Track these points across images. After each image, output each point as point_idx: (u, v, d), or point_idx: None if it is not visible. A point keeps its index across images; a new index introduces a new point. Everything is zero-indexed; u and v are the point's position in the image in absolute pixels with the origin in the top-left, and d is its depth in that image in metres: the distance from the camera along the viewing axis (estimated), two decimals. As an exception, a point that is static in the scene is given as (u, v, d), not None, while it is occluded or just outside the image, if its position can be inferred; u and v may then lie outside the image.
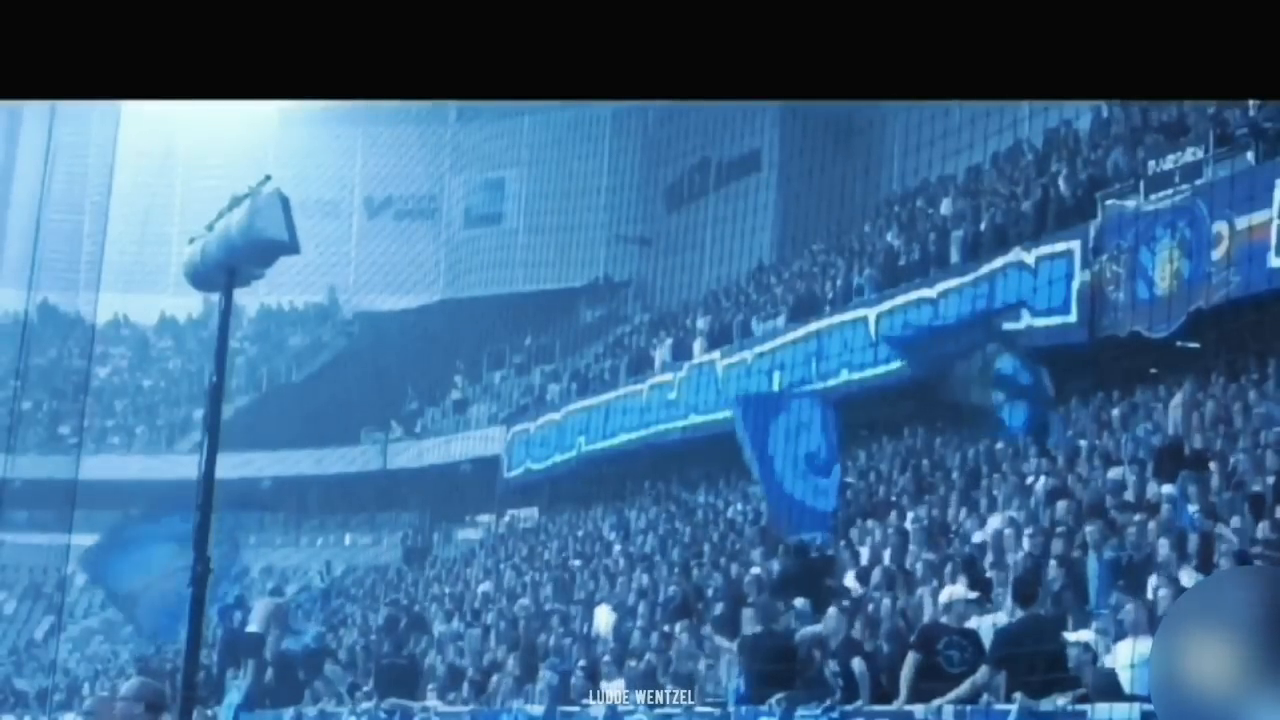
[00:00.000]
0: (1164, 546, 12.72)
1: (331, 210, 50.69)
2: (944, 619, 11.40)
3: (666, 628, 16.97)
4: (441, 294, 47.99)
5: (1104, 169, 22.51)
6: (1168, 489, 14.47)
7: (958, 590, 11.99)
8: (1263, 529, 12.47)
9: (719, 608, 16.57)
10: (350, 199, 53.77)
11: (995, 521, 16.47)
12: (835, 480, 17.67)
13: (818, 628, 12.84)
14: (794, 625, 13.53)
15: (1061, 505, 15.39)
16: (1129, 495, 15.09)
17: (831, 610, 12.68)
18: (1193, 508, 13.57)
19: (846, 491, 22.06)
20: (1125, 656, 10.17)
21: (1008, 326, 21.37)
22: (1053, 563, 13.63)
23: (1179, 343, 19.52)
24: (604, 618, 19.88)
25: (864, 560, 17.10)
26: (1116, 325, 19.84)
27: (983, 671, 10.31)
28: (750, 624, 13.61)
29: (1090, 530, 13.51)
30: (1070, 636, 10.60)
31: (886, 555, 16.74)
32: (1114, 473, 16.27)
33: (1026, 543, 14.77)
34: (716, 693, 14.01)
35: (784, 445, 17.19)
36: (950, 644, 10.89)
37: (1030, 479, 17.58)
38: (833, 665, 11.90)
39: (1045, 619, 10.83)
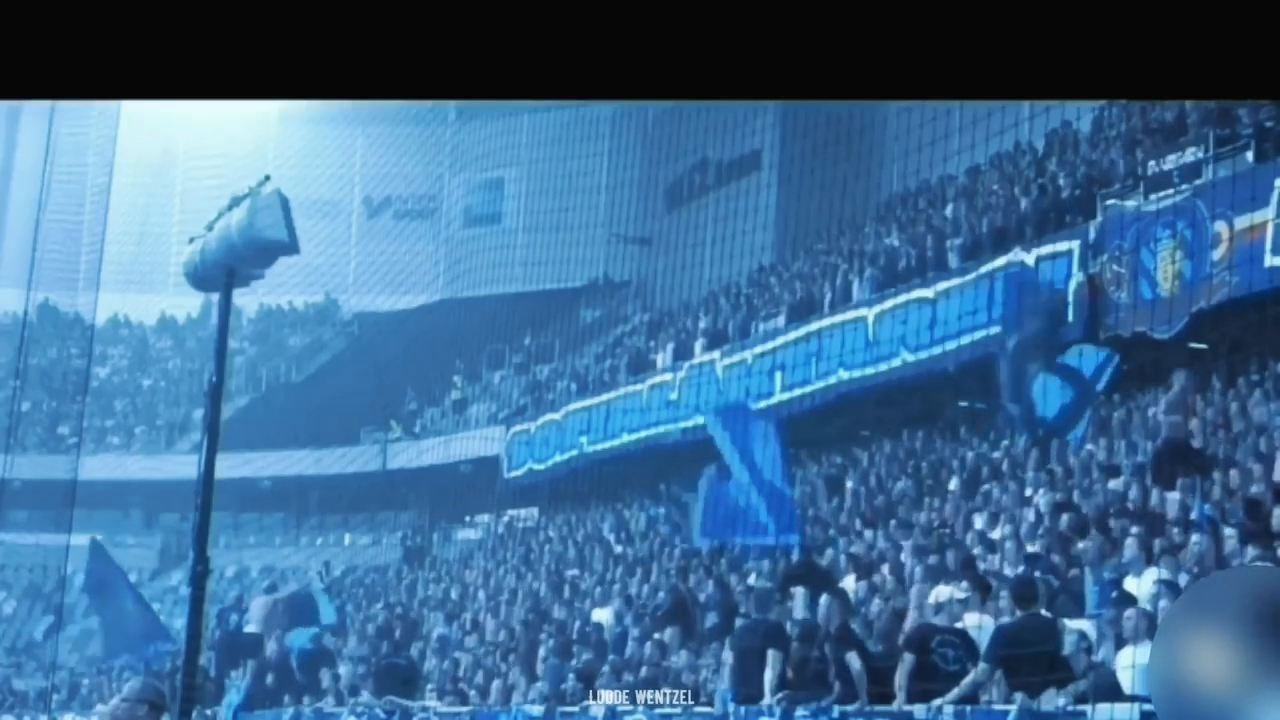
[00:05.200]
0: (1163, 550, 12.71)
1: (331, 210, 50.68)
2: (936, 619, 11.36)
3: (659, 635, 16.94)
4: (441, 294, 47.92)
5: (1104, 169, 22.49)
6: (1172, 496, 14.42)
7: (949, 590, 11.94)
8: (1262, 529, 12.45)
9: (712, 618, 16.53)
10: (350, 199, 53.77)
11: (994, 523, 16.45)
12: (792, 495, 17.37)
13: (808, 616, 12.79)
14: (789, 615, 13.51)
15: (1064, 515, 15.30)
16: (1131, 502, 15.02)
17: (824, 598, 12.57)
18: (1207, 507, 13.52)
19: (844, 497, 22.04)
20: (1126, 658, 10.16)
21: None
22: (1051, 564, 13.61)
23: (1191, 344, 19.44)
24: (602, 619, 19.86)
25: (862, 562, 17.08)
26: (1120, 325, 19.79)
27: (982, 669, 10.29)
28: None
29: (1089, 545, 13.44)
30: (1069, 624, 10.56)
31: (885, 558, 16.71)
32: (1115, 483, 16.18)
33: (1030, 545, 14.74)
34: (712, 697, 13.97)
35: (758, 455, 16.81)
36: (943, 643, 10.87)
37: (1029, 490, 17.51)
38: (826, 650, 11.80)
39: (1045, 618, 10.81)
